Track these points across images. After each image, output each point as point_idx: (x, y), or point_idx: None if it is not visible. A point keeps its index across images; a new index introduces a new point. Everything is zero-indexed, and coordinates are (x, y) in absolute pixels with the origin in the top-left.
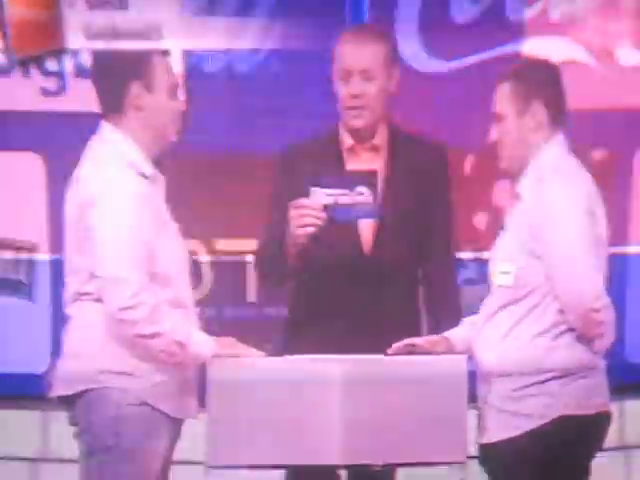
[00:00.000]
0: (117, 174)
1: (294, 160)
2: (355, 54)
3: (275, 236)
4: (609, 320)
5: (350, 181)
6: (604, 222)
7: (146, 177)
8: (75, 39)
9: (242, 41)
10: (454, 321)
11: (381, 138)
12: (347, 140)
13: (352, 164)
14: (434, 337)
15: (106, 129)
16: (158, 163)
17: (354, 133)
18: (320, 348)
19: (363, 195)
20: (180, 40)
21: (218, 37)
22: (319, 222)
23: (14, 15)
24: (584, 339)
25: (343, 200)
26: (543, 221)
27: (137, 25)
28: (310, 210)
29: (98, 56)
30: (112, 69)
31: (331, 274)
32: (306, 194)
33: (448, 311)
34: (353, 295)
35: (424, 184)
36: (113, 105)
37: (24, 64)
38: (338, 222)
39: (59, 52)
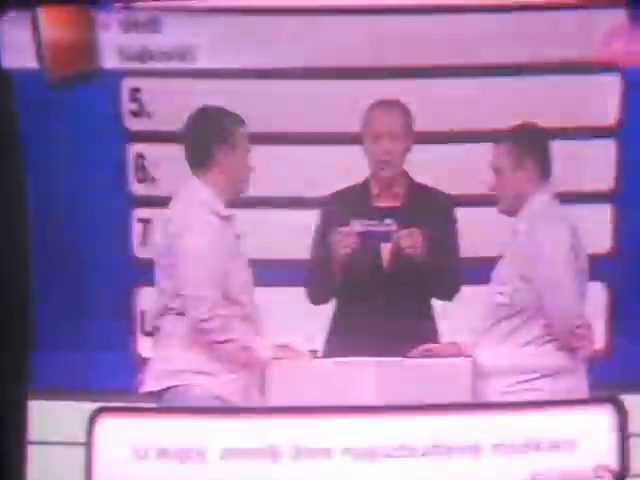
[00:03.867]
0: (199, 214)
1: (334, 203)
2: (387, 120)
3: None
4: (589, 334)
5: (379, 215)
6: (585, 254)
7: (222, 217)
8: (109, 61)
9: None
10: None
11: (400, 187)
12: (374, 188)
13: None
14: (446, 343)
15: (192, 181)
16: (232, 206)
17: (380, 182)
18: (353, 347)
19: (389, 225)
20: (213, 62)
21: (250, 58)
22: (354, 245)
23: (49, 37)
24: (567, 348)
25: (372, 228)
26: (535, 253)
27: (170, 47)
28: (348, 236)
29: (190, 122)
30: (203, 133)
31: (362, 285)
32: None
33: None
34: (376, 302)
35: (431, 222)
36: (200, 160)
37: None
38: (367, 244)
39: (93, 74)
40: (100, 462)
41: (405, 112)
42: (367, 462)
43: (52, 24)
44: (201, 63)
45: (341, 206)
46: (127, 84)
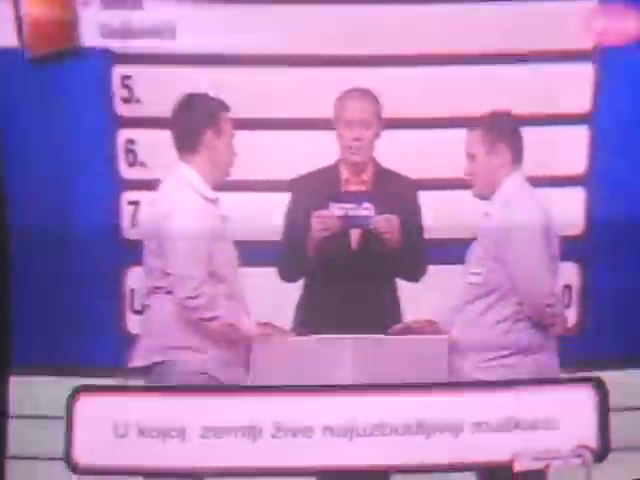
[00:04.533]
0: (186, 197)
1: (305, 186)
2: (359, 108)
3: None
4: (560, 313)
5: (355, 199)
6: (556, 236)
7: (208, 200)
8: (90, 38)
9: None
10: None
11: (368, 174)
12: (345, 174)
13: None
14: (423, 320)
15: (180, 164)
16: (217, 189)
17: (350, 167)
18: (327, 325)
19: (367, 209)
20: (193, 38)
21: (230, 33)
22: (334, 227)
23: (29, 14)
24: (539, 325)
25: (352, 212)
26: (507, 235)
27: (151, 24)
28: (328, 219)
29: (178, 107)
30: (190, 118)
31: (334, 269)
32: (315, 209)
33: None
34: (349, 282)
35: (397, 205)
36: (188, 145)
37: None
38: (347, 228)
39: (73, 51)
40: (80, 440)
41: (375, 100)
42: (347, 440)
43: (33, 1)
44: (182, 41)
45: (312, 189)
46: (117, 71)
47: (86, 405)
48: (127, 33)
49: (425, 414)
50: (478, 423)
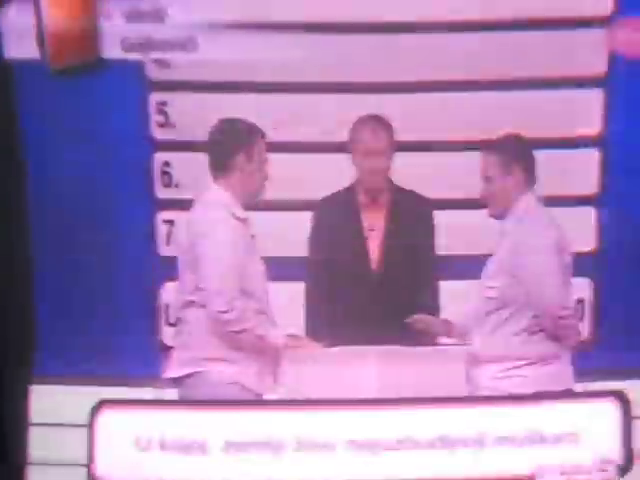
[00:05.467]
0: (219, 216)
1: (325, 207)
2: (376, 138)
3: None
4: (574, 325)
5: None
6: (569, 252)
7: (239, 219)
8: (111, 51)
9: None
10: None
11: (384, 198)
12: (362, 198)
13: (365, 215)
14: (438, 319)
15: (213, 186)
16: (248, 209)
17: (368, 193)
18: (352, 337)
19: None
20: (215, 51)
21: (251, 48)
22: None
23: (51, 26)
24: (553, 337)
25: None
26: (522, 252)
27: (173, 37)
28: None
29: (213, 131)
30: (224, 142)
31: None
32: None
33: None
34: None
35: (413, 224)
36: (221, 167)
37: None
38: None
39: (95, 64)
40: (102, 454)
41: (389, 126)
42: (370, 455)
43: (55, 14)
44: (203, 53)
45: (332, 211)
46: (154, 98)
47: (108, 418)
48: (149, 46)
49: (448, 428)
50: (500, 437)
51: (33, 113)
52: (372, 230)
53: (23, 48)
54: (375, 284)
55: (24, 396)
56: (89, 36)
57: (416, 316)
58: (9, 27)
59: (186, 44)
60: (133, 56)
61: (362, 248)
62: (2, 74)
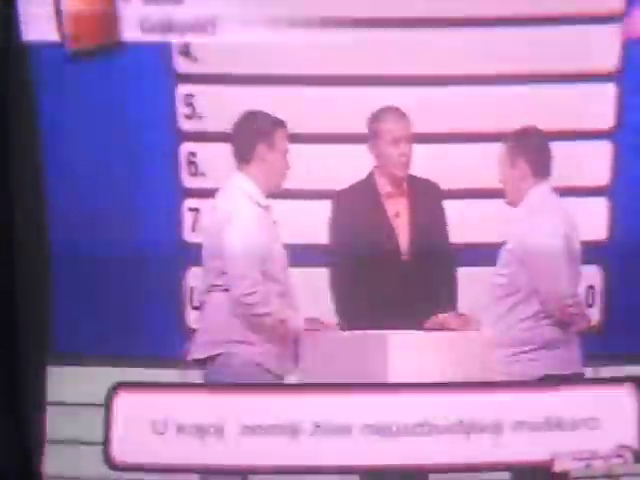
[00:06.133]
0: (242, 204)
1: (346, 196)
2: (402, 127)
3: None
4: (581, 312)
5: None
6: (578, 241)
7: (262, 206)
8: (130, 33)
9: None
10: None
11: (405, 184)
12: (383, 187)
13: (388, 202)
14: (454, 313)
15: (237, 175)
16: (270, 197)
17: (393, 181)
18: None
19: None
20: (234, 34)
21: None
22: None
23: (70, 8)
24: (561, 323)
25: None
26: (532, 240)
27: (192, 18)
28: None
29: (237, 122)
30: (247, 133)
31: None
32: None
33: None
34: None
35: (433, 213)
36: (245, 157)
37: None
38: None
39: (114, 46)
40: (118, 437)
41: (407, 117)
42: (387, 439)
43: None
44: (222, 35)
45: (354, 200)
46: (181, 90)
47: (125, 402)
48: (168, 28)
49: (465, 413)
50: (518, 422)
51: (53, 96)
52: (397, 216)
53: (41, 31)
54: (405, 268)
55: (42, 377)
56: (108, 18)
57: (434, 317)
58: (28, 9)
59: (206, 26)
60: (154, 38)
61: (391, 234)
62: (20, 57)
